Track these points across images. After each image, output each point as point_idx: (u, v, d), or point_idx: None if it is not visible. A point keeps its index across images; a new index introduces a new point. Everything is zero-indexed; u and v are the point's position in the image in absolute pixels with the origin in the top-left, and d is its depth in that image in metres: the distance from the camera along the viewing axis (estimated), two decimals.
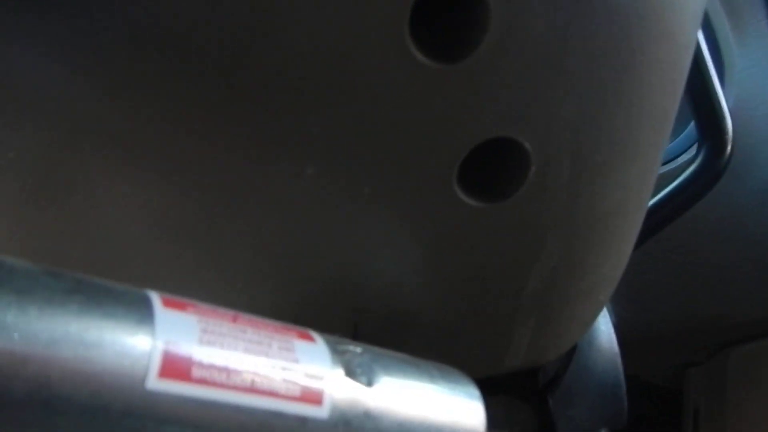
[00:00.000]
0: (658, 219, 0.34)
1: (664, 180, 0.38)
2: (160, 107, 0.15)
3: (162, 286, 0.18)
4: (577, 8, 0.15)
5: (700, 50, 0.35)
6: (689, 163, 0.35)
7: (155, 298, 0.13)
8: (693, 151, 0.39)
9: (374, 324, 0.20)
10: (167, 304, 0.13)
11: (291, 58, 0.14)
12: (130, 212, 0.16)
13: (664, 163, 0.45)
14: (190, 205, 0.16)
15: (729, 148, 0.34)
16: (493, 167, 0.17)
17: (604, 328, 0.27)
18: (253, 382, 0.13)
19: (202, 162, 0.15)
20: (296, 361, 0.14)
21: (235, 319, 0.13)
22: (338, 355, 0.15)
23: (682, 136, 0.46)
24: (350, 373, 0.15)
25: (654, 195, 0.35)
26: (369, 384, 0.15)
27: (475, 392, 0.17)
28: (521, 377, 0.26)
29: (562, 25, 0.15)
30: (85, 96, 0.14)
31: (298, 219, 0.17)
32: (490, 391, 0.26)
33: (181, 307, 0.13)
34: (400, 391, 0.15)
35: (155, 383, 0.11)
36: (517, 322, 0.20)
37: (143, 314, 0.12)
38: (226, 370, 0.12)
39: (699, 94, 0.35)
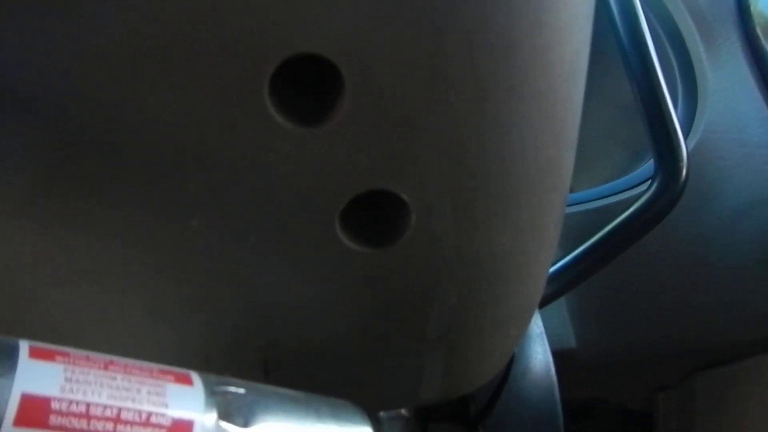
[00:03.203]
0: (613, 246, 0.35)
1: (621, 207, 0.39)
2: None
3: (68, 329, 0.19)
4: (434, 65, 0.15)
5: (656, 76, 0.36)
6: (647, 189, 0.35)
7: (23, 347, 0.14)
8: None
9: (285, 359, 0.20)
10: (34, 353, 0.14)
11: (161, 126, 0.15)
12: (35, 263, 0.17)
13: (623, 191, 0.45)
14: (92, 254, 0.17)
15: (684, 175, 0.35)
16: (378, 214, 0.18)
17: (541, 357, 0.27)
18: (115, 428, 0.14)
19: (94, 216, 0.17)
20: (165, 405, 0.14)
21: (106, 366, 0.14)
22: (214, 397, 0.15)
23: (645, 165, 0.46)
24: (226, 415, 0.15)
25: (609, 222, 0.36)
26: (245, 425, 0.16)
27: (367, 428, 0.18)
28: (454, 406, 0.26)
29: (421, 85, 0.15)
30: None
31: (192, 266, 0.18)
32: (426, 418, 0.27)
33: (48, 356, 0.14)
34: (279, 431, 0.16)
35: (10, 431, 0.12)
36: (425, 357, 0.21)
37: (6, 365, 0.13)
38: (86, 417, 0.13)
39: (654, 122, 0.35)
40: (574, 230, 0.44)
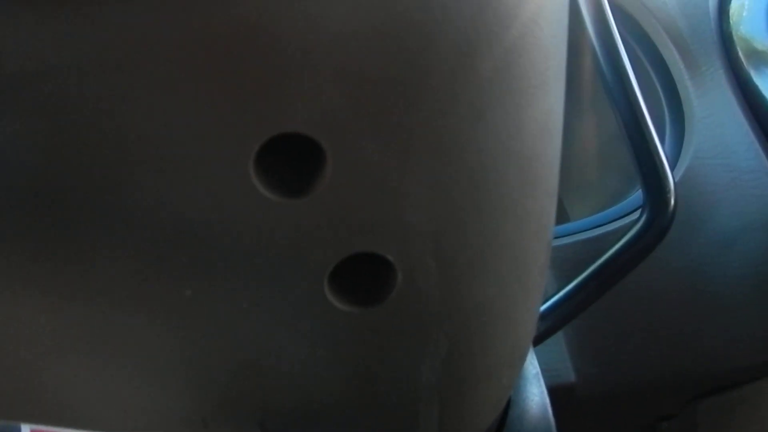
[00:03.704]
0: (605, 278, 0.35)
1: (614, 236, 0.39)
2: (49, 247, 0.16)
3: (68, 400, 0.19)
4: (408, 136, 0.16)
5: (640, 109, 0.36)
6: (636, 221, 0.36)
7: None
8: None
9: (281, 422, 0.21)
10: None
11: (150, 203, 0.16)
12: (30, 334, 0.17)
13: (616, 219, 0.46)
14: (87, 323, 0.18)
15: (672, 205, 0.35)
16: (365, 274, 0.19)
17: (538, 399, 0.28)
18: None
19: (91, 286, 0.17)
20: None
21: None
22: None
23: (637, 192, 0.47)
24: None
25: (604, 252, 0.36)
26: None
27: None
28: None
29: (397, 155, 0.16)
30: None
31: (188, 332, 0.18)
32: None
33: None
34: None
35: None
36: (419, 411, 0.21)
37: None
38: None
39: (640, 154, 0.36)
40: (569, 261, 0.45)
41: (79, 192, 0.16)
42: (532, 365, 0.29)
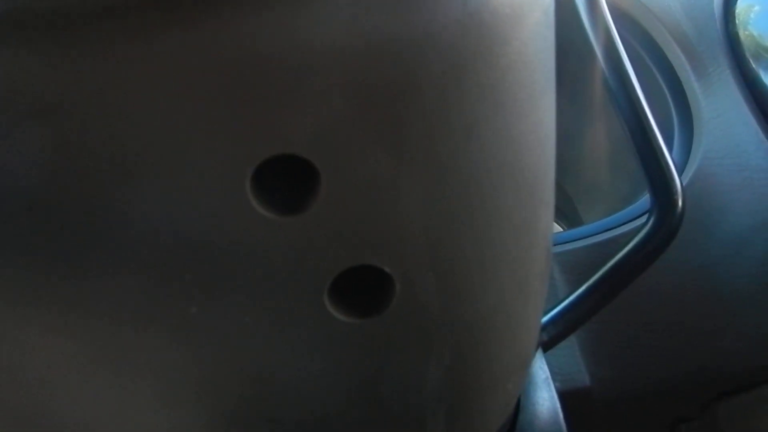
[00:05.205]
0: (615, 282, 0.35)
1: (626, 239, 0.39)
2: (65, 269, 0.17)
3: (81, 419, 0.20)
4: (397, 152, 0.17)
5: (644, 112, 0.36)
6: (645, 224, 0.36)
7: None
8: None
9: None
10: None
11: (149, 221, 0.16)
12: (41, 355, 0.18)
13: (627, 222, 0.46)
14: (97, 342, 0.19)
15: (680, 207, 0.35)
16: (365, 286, 0.19)
17: (548, 403, 0.28)
18: None
19: (101, 304, 0.18)
20: None
21: None
22: None
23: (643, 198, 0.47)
24: None
25: (611, 257, 0.36)
26: None
27: None
28: None
29: (387, 171, 0.17)
30: None
31: (195, 349, 0.19)
32: None
33: None
34: None
35: None
36: (426, 419, 0.22)
37: None
38: None
39: (646, 157, 0.36)
40: (581, 265, 0.45)
41: (79, 211, 0.16)
42: (541, 370, 0.29)
